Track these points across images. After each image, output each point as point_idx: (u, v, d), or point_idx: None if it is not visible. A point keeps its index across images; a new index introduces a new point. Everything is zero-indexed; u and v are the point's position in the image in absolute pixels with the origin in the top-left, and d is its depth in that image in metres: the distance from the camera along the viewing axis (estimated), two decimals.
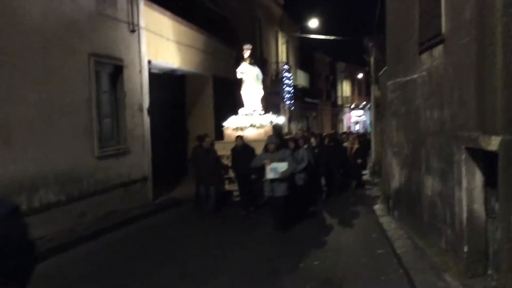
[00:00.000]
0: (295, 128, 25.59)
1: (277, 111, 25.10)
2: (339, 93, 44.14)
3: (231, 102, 15.77)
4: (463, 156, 4.97)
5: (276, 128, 13.16)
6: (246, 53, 12.94)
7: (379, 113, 15.05)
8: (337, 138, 15.72)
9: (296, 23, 28.78)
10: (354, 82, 48.90)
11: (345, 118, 46.24)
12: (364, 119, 46.33)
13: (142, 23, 11.44)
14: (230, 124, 12.62)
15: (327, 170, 12.09)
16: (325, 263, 6.64)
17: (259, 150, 10.21)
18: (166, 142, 14.03)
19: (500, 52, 4.00)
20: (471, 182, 4.97)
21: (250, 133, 12.25)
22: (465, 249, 5.04)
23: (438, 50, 5.83)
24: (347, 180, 13.96)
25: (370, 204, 11.08)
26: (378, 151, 15.93)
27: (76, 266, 6.76)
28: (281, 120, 14.94)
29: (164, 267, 6.49)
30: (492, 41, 4.12)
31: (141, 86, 11.56)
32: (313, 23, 26.66)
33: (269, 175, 8.09)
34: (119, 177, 10.35)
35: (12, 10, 7.46)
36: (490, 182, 4.86)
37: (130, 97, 11.02)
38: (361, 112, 47.14)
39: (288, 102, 26.37)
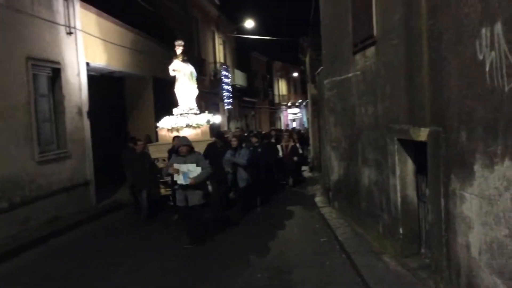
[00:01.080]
0: (234, 127, 25.89)
1: (216, 111, 25.38)
2: (276, 92, 45.05)
3: (171, 103, 15.78)
4: (396, 147, 5.47)
5: (214, 128, 12.75)
6: (178, 50, 12.33)
7: (316, 111, 15.67)
8: (270, 136, 15.89)
9: (233, 23, 29.15)
10: (290, 81, 50.11)
11: (282, 116, 47.22)
12: (301, 117, 47.55)
13: (78, 25, 11.26)
14: (165, 125, 11.98)
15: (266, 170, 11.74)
16: (273, 255, 6.97)
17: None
18: (107, 145, 13.83)
19: (426, 52, 4.49)
20: (404, 170, 5.49)
21: (186, 134, 11.26)
22: (401, 231, 5.55)
23: (370, 51, 6.33)
24: (284, 178, 14.04)
25: (311, 198, 11.53)
26: (316, 147, 16.57)
27: (20, 274, 6.63)
28: (217, 119, 14.55)
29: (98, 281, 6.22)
30: (419, 42, 4.60)
31: (80, 89, 11.38)
32: (249, 23, 27.18)
33: (180, 180, 7.26)
34: (61, 181, 10.17)
35: None
36: (420, 170, 5.39)
37: (69, 100, 10.82)
38: (297, 110, 48.34)
39: (227, 102, 26.65)
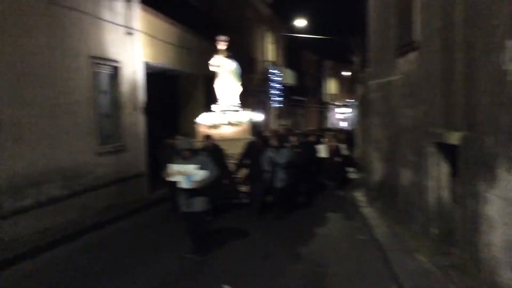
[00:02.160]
0: (285, 125, 26.23)
1: (264, 109, 25.84)
2: (325, 91, 44.99)
3: None
4: (432, 150, 5.68)
5: (255, 126, 12.25)
6: (221, 46, 11.98)
7: (363, 111, 15.75)
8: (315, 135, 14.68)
9: (284, 22, 29.48)
10: (341, 80, 49.81)
11: (331, 115, 47.07)
12: (351, 116, 47.20)
13: (138, 26, 12.01)
14: (204, 121, 11.54)
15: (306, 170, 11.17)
16: (311, 249, 7.30)
17: (236, 150, 10.02)
18: (160, 140, 14.57)
19: (459, 60, 4.70)
20: (439, 172, 5.69)
21: (226, 131, 11.35)
22: (434, 230, 5.75)
23: (412, 56, 6.54)
24: (324, 181, 13.51)
25: (352, 198, 11.50)
26: (362, 147, 16.65)
27: (77, 256, 7.32)
28: (260, 117, 13.99)
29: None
30: (454, 51, 4.82)
31: (137, 86, 12.13)
32: (301, 22, 27.46)
33: (182, 183, 6.72)
34: (118, 173, 10.92)
35: (22, 21, 8.00)
36: (454, 172, 5.58)
37: (126, 97, 11.58)
38: (347, 109, 48.01)
39: (276, 100, 27.04)
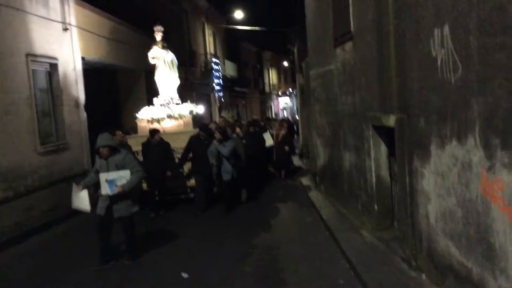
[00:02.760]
0: (226, 116, 26.41)
1: (207, 101, 25.88)
2: (266, 81, 45.54)
3: None
4: (370, 132, 6.09)
5: (197, 119, 11.94)
6: (158, 36, 11.49)
7: (304, 99, 16.24)
8: (259, 125, 14.29)
9: (222, 14, 29.54)
10: (280, 70, 50.60)
11: (273, 105, 47.76)
12: (291, 105, 48.14)
13: (73, 21, 11.72)
14: (145, 116, 11.20)
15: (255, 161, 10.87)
16: (263, 234, 7.57)
17: (179, 144, 9.76)
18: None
19: (393, 48, 5.08)
20: (378, 153, 6.11)
21: (168, 125, 11.02)
22: (375, 208, 6.19)
23: (348, 46, 6.92)
24: (274, 169, 13.47)
25: (300, 184, 12.00)
26: (305, 135, 17.19)
27: (25, 259, 7.11)
28: (201, 109, 13.44)
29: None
30: (387, 40, 5.19)
31: (76, 83, 11.88)
32: (239, 14, 27.63)
33: (104, 189, 6.06)
34: (61, 172, 10.69)
35: None
36: (392, 153, 6.01)
37: (66, 94, 11.32)
38: (287, 98, 48.90)
39: (218, 92, 27.15)
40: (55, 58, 10.88)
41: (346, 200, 7.89)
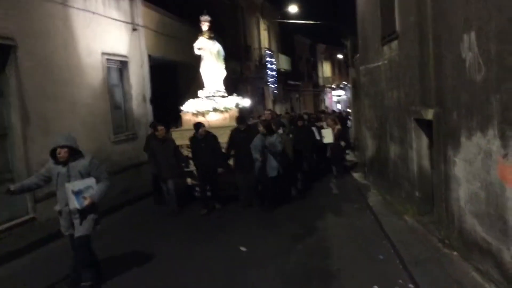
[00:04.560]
0: (279, 110, 27.13)
1: (261, 95, 26.71)
2: (320, 74, 45.78)
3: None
4: (413, 125, 6.63)
5: (244, 112, 11.26)
6: (204, 26, 10.96)
7: (356, 93, 16.66)
8: (308, 118, 13.77)
9: (276, 9, 30.20)
10: (334, 63, 50.55)
11: (326, 98, 47.91)
12: (345, 98, 48.07)
13: (141, 22, 12.84)
14: (189, 108, 10.77)
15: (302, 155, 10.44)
16: (311, 218, 8.24)
17: (223, 138, 9.37)
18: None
19: (431, 48, 5.62)
20: (419, 144, 6.65)
21: (213, 118, 10.55)
22: (417, 194, 6.74)
23: (394, 44, 7.45)
24: (325, 165, 12.72)
25: (350, 176, 12.35)
26: (356, 128, 17.60)
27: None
28: (247, 102, 12.72)
29: None
30: (427, 41, 5.73)
31: (143, 78, 13.03)
32: (293, 8, 28.19)
33: (73, 203, 5.01)
34: (130, 159, 11.85)
35: (41, 24, 8.82)
36: (432, 143, 6.53)
37: (134, 89, 12.48)
38: (342, 91, 48.86)
39: (271, 86, 27.88)
40: (126, 56, 12.04)
41: (391, 189, 8.43)
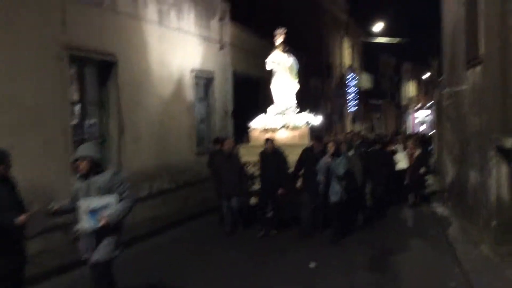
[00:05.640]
0: (359, 129, 26.87)
1: (341, 113, 26.62)
2: (403, 94, 44.59)
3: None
4: (492, 153, 6.50)
5: (314, 130, 10.75)
6: (279, 40, 10.65)
7: (439, 116, 16.20)
8: (381, 140, 12.42)
9: (361, 27, 30.08)
10: (420, 82, 48.97)
11: (409, 118, 46.49)
12: (430, 120, 46.28)
13: (228, 40, 13.54)
14: (258, 125, 10.40)
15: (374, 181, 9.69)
16: (385, 240, 8.23)
17: (292, 157, 8.72)
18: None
19: None
20: (499, 172, 6.49)
21: (282, 136, 10.09)
22: (494, 223, 6.57)
23: (478, 69, 7.34)
24: (400, 194, 11.36)
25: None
26: (438, 151, 17.05)
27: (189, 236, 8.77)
28: (318, 120, 12.10)
29: None
30: (509, 67, 5.66)
31: (227, 93, 13.69)
32: (378, 26, 27.98)
33: (85, 222, 4.44)
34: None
35: (139, 42, 9.69)
36: None
37: (218, 103, 13.16)
38: (427, 112, 47.10)
39: (352, 104, 27.71)
40: (212, 72, 12.75)
41: (470, 216, 8.21)
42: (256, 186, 9.21)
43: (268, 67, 10.74)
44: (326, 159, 7.97)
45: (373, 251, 7.52)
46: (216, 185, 9.19)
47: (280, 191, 8.43)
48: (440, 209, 10.62)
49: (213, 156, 9.77)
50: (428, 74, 42.50)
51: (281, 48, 10.66)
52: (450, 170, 10.15)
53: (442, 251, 7.36)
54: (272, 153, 8.63)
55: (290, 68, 10.72)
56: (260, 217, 8.73)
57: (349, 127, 26.71)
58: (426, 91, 49.30)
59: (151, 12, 10.07)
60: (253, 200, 9.32)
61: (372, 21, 28.41)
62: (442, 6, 10.59)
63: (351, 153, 9.02)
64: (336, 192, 7.96)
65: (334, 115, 24.95)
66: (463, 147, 8.66)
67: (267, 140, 8.80)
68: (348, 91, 27.26)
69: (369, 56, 33.78)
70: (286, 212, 8.92)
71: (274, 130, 10.19)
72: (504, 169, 6.47)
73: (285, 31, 10.76)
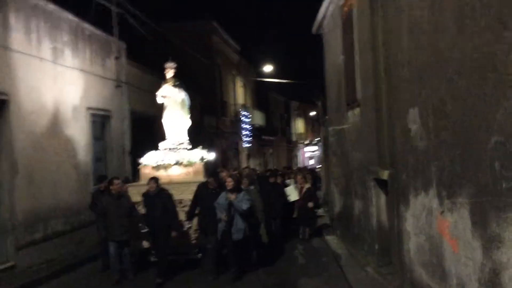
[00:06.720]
0: (253, 164, 27.86)
1: (236, 149, 27.49)
2: (293, 130, 47.18)
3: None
4: (372, 184, 7.39)
5: (209, 166, 10.57)
6: (169, 73, 10.37)
7: (325, 151, 17.56)
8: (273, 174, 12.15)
9: (252, 67, 31.68)
10: (307, 119, 52.18)
11: (299, 153, 49.08)
12: (318, 154, 49.21)
13: (124, 79, 13.61)
14: (149, 161, 9.83)
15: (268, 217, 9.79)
16: (281, 270, 8.75)
17: (187, 195, 8.56)
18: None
19: (385, 117, 6.47)
20: (378, 201, 7.38)
21: (175, 173, 9.65)
22: (376, 247, 7.40)
23: (357, 111, 8.35)
24: (295, 227, 11.68)
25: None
26: (326, 184, 18.37)
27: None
28: (212, 156, 11.83)
29: None
30: (381, 111, 6.60)
31: (124, 131, 13.63)
32: (268, 68, 29.73)
33: None
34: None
35: (32, 80, 9.45)
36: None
37: (115, 141, 13.05)
38: (315, 147, 50.12)
39: (246, 141, 28.76)
40: (109, 110, 12.68)
41: (355, 242, 9.08)
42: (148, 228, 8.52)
43: (158, 101, 10.38)
44: (225, 195, 7.73)
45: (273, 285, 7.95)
46: (100, 229, 8.79)
47: (173, 233, 8.08)
48: (330, 238, 11.49)
49: (97, 196, 9.11)
50: (314, 112, 45.60)
51: (171, 82, 10.35)
52: (338, 201, 11.11)
53: (334, 274, 8.06)
54: (157, 192, 8.19)
55: (182, 103, 10.43)
56: (158, 263, 8.16)
57: (244, 162, 27.58)
58: (313, 128, 52.63)
59: (45, 50, 9.90)
60: (145, 244, 8.83)
61: (263, 62, 30.11)
62: (324, 55, 11.81)
63: (252, 187, 9.00)
64: (239, 229, 7.70)
65: (229, 152, 25.72)
66: (347, 179, 9.62)
67: (151, 179, 8.33)
68: (243, 127, 28.27)
69: (261, 95, 35.51)
70: (187, 254, 8.69)
71: (167, 167, 9.69)
72: (382, 198, 7.38)
73: (175, 65, 10.53)
